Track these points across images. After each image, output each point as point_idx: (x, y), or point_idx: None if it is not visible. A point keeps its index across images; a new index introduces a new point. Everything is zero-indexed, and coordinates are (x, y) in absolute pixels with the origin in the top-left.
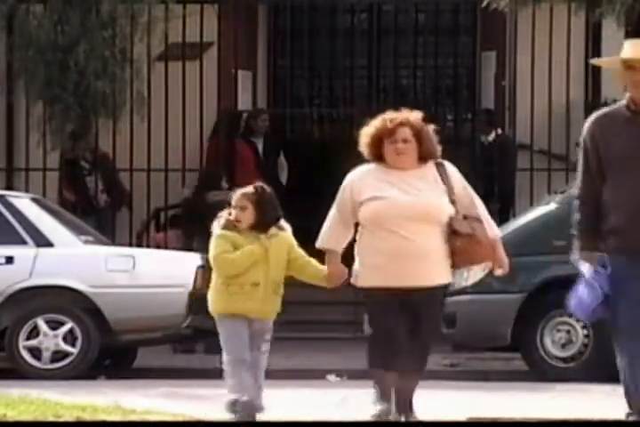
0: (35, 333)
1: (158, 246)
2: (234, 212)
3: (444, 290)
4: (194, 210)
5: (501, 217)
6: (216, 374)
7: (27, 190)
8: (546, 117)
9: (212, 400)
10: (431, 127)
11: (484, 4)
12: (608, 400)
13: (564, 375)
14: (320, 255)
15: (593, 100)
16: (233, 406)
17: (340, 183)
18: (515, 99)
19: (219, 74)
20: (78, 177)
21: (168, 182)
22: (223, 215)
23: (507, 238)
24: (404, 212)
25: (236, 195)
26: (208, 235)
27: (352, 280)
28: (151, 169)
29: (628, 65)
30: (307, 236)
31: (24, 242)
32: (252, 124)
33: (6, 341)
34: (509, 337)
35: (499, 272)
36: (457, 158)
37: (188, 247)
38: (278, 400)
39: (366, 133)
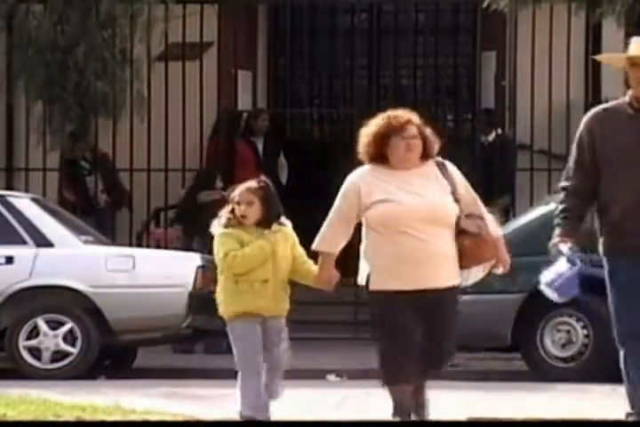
0: (35, 333)
1: (158, 244)
2: (240, 208)
3: (456, 291)
4: (186, 210)
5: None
6: (216, 374)
7: (27, 190)
8: (546, 117)
9: (212, 400)
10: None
11: (485, 4)
12: (608, 400)
13: (563, 375)
14: (317, 257)
15: (593, 100)
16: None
17: (341, 183)
18: (515, 99)
19: (219, 74)
20: (78, 177)
21: (168, 182)
22: (223, 214)
23: (507, 238)
24: (414, 213)
25: (241, 190)
26: (206, 235)
27: (359, 282)
28: (151, 169)
29: (633, 62)
30: (306, 236)
31: (24, 242)
32: (252, 124)
33: (6, 341)
34: (509, 337)
35: (500, 271)
36: (457, 158)
37: (187, 247)
38: (278, 400)
39: (369, 133)
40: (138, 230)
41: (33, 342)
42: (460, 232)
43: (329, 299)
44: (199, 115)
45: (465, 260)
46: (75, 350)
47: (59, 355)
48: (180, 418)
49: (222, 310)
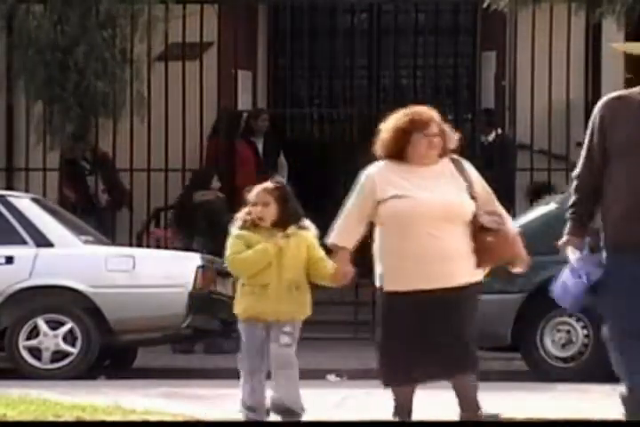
0: (35, 333)
1: (158, 244)
2: (256, 209)
3: (477, 288)
4: (182, 209)
5: None
6: (216, 374)
7: (27, 190)
8: (546, 117)
9: (212, 400)
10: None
11: (485, 4)
12: (608, 400)
13: (563, 375)
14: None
15: (593, 100)
16: (245, 410)
17: (341, 183)
18: (515, 99)
19: (219, 74)
20: (78, 177)
21: (168, 182)
22: (239, 216)
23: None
24: (429, 210)
25: (257, 191)
26: (206, 235)
27: (377, 283)
28: (151, 169)
29: None
30: None
31: (24, 242)
32: (252, 124)
33: (6, 341)
34: (509, 337)
35: (519, 269)
36: None
37: (187, 247)
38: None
39: (390, 128)
40: (138, 230)
41: (33, 342)
42: (481, 229)
43: (329, 299)
44: (199, 115)
45: (485, 257)
46: (75, 350)
47: (59, 355)
48: (180, 418)
49: (234, 310)
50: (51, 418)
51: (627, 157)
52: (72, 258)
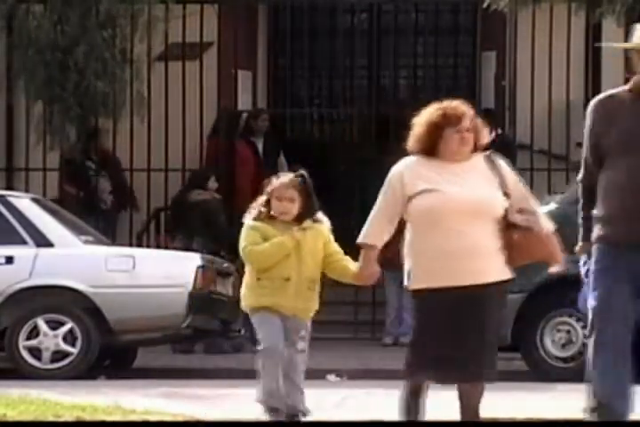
0: (35, 333)
1: (158, 244)
2: (282, 204)
3: (505, 286)
4: (178, 208)
5: None
6: (216, 374)
7: (27, 190)
8: (546, 117)
9: (212, 400)
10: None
11: (485, 4)
12: None
13: (563, 375)
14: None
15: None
16: (263, 406)
17: (341, 183)
18: (515, 99)
19: (219, 74)
20: (81, 176)
21: (168, 182)
22: (256, 206)
23: None
24: (459, 205)
25: (280, 185)
26: (205, 235)
27: (406, 283)
28: (151, 169)
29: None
30: None
31: (24, 242)
32: (252, 124)
33: (6, 341)
34: (509, 337)
35: (555, 269)
36: None
37: (187, 247)
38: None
39: (423, 122)
40: (138, 231)
41: (33, 342)
42: (509, 226)
43: (329, 299)
44: (199, 115)
45: (513, 255)
46: (75, 350)
47: (59, 355)
48: (180, 418)
49: (243, 303)
50: (51, 418)
51: (625, 156)
52: (72, 258)
